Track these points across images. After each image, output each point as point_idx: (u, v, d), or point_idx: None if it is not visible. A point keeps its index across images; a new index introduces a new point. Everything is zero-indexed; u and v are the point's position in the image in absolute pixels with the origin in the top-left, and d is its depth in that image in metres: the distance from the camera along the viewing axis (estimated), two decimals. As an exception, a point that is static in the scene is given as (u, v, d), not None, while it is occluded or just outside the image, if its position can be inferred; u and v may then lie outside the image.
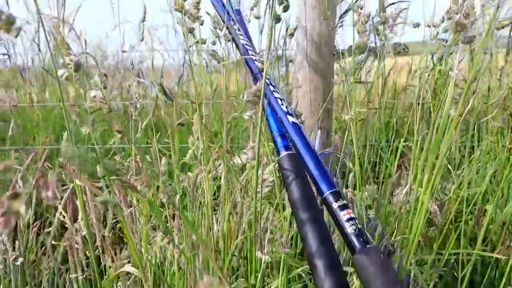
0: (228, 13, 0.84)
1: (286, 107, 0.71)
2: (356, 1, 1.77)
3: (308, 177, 0.67)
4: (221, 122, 1.80)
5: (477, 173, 1.72)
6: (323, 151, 1.16)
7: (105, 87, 0.81)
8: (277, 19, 0.55)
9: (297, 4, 1.51)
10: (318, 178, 0.65)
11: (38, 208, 1.48)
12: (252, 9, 1.32)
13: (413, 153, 0.87)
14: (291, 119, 0.70)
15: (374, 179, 1.50)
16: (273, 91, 0.74)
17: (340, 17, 1.49)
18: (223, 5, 0.93)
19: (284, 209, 1.13)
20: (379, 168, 1.84)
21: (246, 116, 0.59)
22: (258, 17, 1.31)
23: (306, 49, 1.51)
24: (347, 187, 1.23)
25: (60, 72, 0.72)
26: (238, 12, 1.00)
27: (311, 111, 1.54)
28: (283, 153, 0.72)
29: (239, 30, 0.85)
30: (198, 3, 0.73)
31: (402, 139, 1.11)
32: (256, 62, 0.76)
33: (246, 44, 0.82)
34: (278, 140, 0.74)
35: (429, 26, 1.70)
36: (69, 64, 0.65)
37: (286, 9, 0.55)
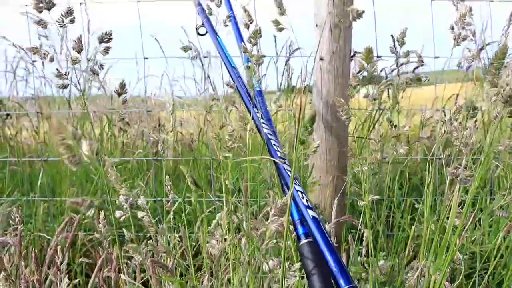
0: (253, 105, 0.93)
1: (307, 200, 0.78)
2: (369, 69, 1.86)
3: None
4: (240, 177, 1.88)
5: (490, 227, 1.75)
6: (339, 219, 1.22)
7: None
8: (302, 142, 0.62)
9: (314, 69, 1.60)
10: (336, 273, 0.71)
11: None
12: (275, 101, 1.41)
13: (424, 237, 0.92)
14: (311, 213, 0.77)
15: (387, 244, 1.54)
16: (295, 183, 0.81)
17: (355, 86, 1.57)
18: (247, 91, 1.01)
19: None
20: (393, 221, 1.89)
21: (272, 228, 0.66)
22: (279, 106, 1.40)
23: (321, 111, 1.59)
24: (360, 254, 1.28)
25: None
26: (260, 93, 1.08)
27: (326, 170, 1.61)
28: (303, 240, 0.78)
29: (262, 117, 0.93)
30: (232, 135, 0.82)
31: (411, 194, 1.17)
32: (278, 152, 0.84)
33: (268, 134, 0.90)
34: (299, 227, 0.81)
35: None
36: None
37: (310, 133, 0.62)
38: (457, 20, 1.15)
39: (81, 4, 1.77)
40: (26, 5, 1.90)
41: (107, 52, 0.77)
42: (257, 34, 0.87)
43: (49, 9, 0.70)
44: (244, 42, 1.30)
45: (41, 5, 0.69)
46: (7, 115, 2.55)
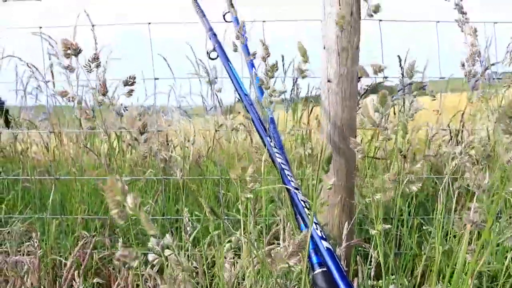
0: (268, 136, 0.96)
1: (321, 231, 0.81)
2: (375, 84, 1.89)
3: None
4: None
5: (497, 246, 1.77)
6: (349, 242, 1.24)
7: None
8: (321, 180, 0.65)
9: (321, 91, 1.64)
10: (350, 304, 0.73)
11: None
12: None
13: (436, 263, 0.94)
14: (325, 244, 0.79)
15: (395, 263, 1.56)
16: (309, 215, 0.83)
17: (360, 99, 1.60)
18: (260, 120, 1.04)
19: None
20: (400, 238, 1.90)
21: (291, 263, 0.69)
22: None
23: (329, 132, 1.61)
24: (369, 276, 1.30)
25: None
26: (272, 120, 1.11)
27: (334, 191, 1.63)
28: (318, 270, 0.81)
29: (275, 147, 0.96)
30: (253, 176, 0.85)
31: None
32: (292, 182, 0.86)
33: (282, 163, 0.93)
34: (313, 255, 0.83)
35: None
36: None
37: (327, 172, 0.65)
38: (468, 57, 1.18)
39: (93, 25, 1.81)
40: (41, 27, 1.95)
41: (131, 95, 0.80)
42: (274, 68, 0.90)
43: (76, 55, 0.73)
44: (254, 68, 1.33)
45: (69, 51, 0.72)
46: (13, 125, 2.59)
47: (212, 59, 1.38)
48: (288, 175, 0.90)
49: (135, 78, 0.79)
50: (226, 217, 1.81)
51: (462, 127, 2.00)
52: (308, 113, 2.15)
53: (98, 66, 0.78)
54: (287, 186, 0.88)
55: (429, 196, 2.23)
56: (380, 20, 1.75)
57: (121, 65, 2.14)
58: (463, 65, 1.87)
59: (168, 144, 2.65)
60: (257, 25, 1.82)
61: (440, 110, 1.99)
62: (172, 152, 1.96)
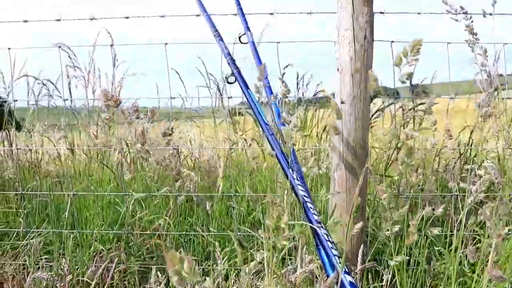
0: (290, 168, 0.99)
1: (347, 266, 0.84)
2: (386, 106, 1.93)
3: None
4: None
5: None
6: (364, 265, 1.28)
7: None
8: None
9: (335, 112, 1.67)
10: None
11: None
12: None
13: None
14: (348, 278, 0.83)
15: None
16: (331, 247, 0.87)
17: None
18: (282, 151, 1.08)
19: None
20: (410, 253, 1.93)
21: None
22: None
23: (342, 152, 1.65)
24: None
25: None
26: (293, 151, 1.15)
27: (347, 210, 1.66)
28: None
29: (297, 179, 0.99)
30: (288, 225, 0.88)
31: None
32: (314, 215, 0.90)
33: (304, 196, 0.96)
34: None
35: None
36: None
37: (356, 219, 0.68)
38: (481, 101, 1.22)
39: (111, 45, 1.85)
40: (59, 46, 1.98)
41: (168, 144, 0.83)
42: (294, 106, 0.93)
43: (117, 106, 0.76)
44: (272, 93, 1.37)
45: (109, 102, 0.76)
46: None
47: (230, 83, 1.42)
48: (311, 207, 0.93)
49: (173, 128, 0.82)
50: (239, 233, 1.84)
51: (471, 145, 2.03)
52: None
53: (138, 118, 0.82)
54: (312, 226, 0.92)
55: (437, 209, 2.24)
56: (392, 42, 1.78)
57: (137, 79, 2.19)
58: (479, 105, 1.92)
59: (179, 155, 2.69)
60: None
61: (450, 130, 2.02)
62: (182, 160, 1.98)
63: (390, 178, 2.06)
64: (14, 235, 1.97)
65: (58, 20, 1.85)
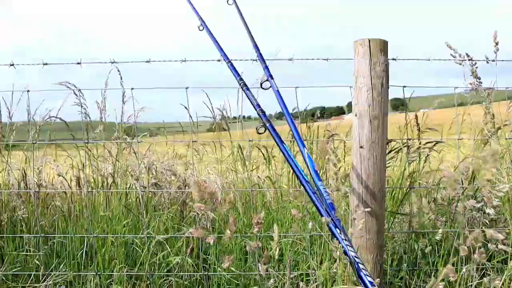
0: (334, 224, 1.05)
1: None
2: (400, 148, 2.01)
3: None
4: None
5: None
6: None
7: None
8: None
9: (353, 156, 1.74)
10: None
11: None
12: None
13: None
14: None
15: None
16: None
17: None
18: (322, 205, 1.13)
19: None
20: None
21: None
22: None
23: (361, 194, 1.72)
24: None
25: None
26: (332, 206, 1.20)
27: (367, 248, 1.73)
28: None
29: (346, 239, 1.05)
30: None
31: None
32: (367, 276, 0.95)
33: (355, 257, 1.02)
34: None
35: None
36: None
37: None
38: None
39: (132, 89, 1.88)
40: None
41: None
42: (346, 179, 0.99)
43: (214, 203, 0.81)
44: (306, 148, 1.43)
45: (203, 194, 0.80)
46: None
47: (260, 133, 1.47)
48: (363, 269, 0.99)
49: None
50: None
51: (473, 179, 2.13)
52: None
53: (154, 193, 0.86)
54: None
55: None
56: (404, 86, 1.88)
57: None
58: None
59: (185, 187, 2.71)
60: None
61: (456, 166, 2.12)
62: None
63: (404, 215, 2.15)
64: (29, 277, 1.95)
65: (79, 63, 1.87)
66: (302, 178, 1.22)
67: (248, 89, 1.58)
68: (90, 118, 2.38)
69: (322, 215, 1.11)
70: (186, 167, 2.72)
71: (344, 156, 2.16)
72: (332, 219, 1.08)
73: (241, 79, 1.63)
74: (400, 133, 2.37)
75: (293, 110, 2.01)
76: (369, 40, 1.70)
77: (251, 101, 1.53)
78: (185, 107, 2.32)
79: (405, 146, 1.97)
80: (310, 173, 1.31)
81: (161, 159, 3.01)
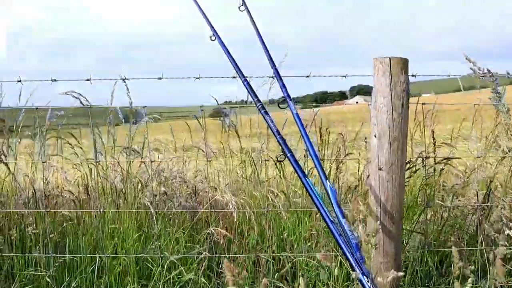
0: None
1: None
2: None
3: None
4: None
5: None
6: None
7: None
8: None
9: (371, 177, 1.71)
10: None
11: None
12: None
13: None
14: None
15: None
16: None
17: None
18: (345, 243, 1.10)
19: None
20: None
21: None
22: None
23: (380, 216, 1.69)
24: None
25: None
26: (357, 247, 1.17)
27: (384, 269, 1.71)
28: None
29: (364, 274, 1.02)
30: None
31: None
32: None
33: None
34: None
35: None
36: None
37: None
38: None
39: (144, 107, 1.83)
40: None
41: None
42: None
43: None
44: (328, 179, 1.39)
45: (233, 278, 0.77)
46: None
47: (280, 161, 1.43)
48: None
49: None
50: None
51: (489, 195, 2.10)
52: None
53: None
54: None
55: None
56: (424, 104, 1.83)
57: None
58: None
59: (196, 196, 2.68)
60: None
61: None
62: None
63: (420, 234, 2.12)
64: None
65: (88, 79, 1.82)
66: (326, 218, 1.19)
67: (267, 113, 1.53)
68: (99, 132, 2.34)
69: (349, 261, 1.08)
70: (195, 174, 2.69)
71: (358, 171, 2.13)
72: (358, 263, 1.05)
73: (259, 100, 1.58)
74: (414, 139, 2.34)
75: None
76: (390, 59, 1.65)
77: (270, 127, 1.48)
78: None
79: (423, 166, 1.93)
80: (333, 207, 1.28)
81: (170, 164, 2.98)
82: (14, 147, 2.33)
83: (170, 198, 2.41)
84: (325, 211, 1.21)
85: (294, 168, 1.35)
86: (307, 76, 1.77)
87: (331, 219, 1.19)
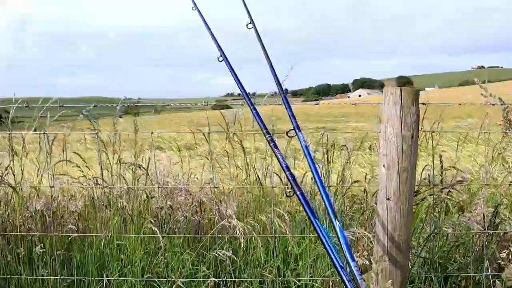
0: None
1: None
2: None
3: None
4: None
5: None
6: None
7: None
8: None
9: (379, 207, 1.71)
10: None
11: None
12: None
13: None
14: None
15: None
16: None
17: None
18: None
19: None
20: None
21: None
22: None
23: (386, 245, 1.69)
24: None
25: None
26: (358, 274, 1.18)
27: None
28: None
29: None
30: None
31: None
32: None
33: None
34: None
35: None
36: None
37: None
38: None
39: (152, 133, 1.82)
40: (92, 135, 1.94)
41: None
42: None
43: None
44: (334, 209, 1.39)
45: None
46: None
47: (289, 196, 1.43)
48: None
49: None
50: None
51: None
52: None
53: None
54: None
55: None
56: (433, 132, 1.82)
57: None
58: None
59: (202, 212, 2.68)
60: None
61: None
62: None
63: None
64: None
65: (95, 105, 1.81)
66: (337, 263, 1.19)
67: (276, 146, 1.52)
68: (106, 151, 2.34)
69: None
70: (201, 186, 2.69)
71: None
72: None
73: (268, 132, 1.57)
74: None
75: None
76: (401, 90, 1.63)
77: (279, 161, 1.48)
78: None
79: (431, 195, 1.93)
80: (344, 253, 1.28)
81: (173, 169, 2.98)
82: (19, 161, 2.33)
83: (175, 212, 2.42)
84: (335, 256, 1.21)
85: (303, 207, 1.35)
86: (317, 103, 1.76)
87: (342, 265, 1.20)
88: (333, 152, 2.37)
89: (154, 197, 2.64)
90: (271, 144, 1.53)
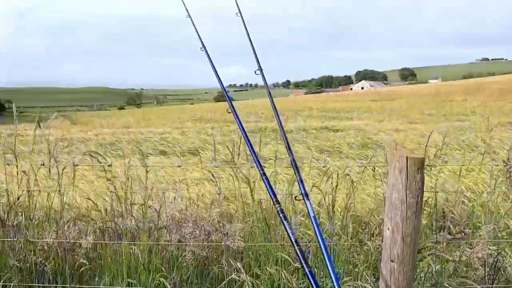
0: None
1: None
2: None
3: None
4: None
5: None
6: None
7: None
8: None
9: (383, 267, 1.77)
10: None
11: None
12: None
13: None
14: None
15: None
16: None
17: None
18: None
19: None
20: None
21: None
22: None
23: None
24: None
25: None
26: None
27: None
28: None
29: None
30: None
31: None
32: None
33: None
34: None
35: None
36: None
37: None
38: None
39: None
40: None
41: None
42: None
43: None
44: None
45: None
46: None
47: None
48: None
49: None
50: None
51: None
52: None
53: None
54: None
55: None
56: (441, 166, 1.87)
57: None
58: None
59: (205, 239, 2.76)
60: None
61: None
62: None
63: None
64: None
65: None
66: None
67: (286, 218, 1.58)
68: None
69: None
70: (210, 216, 2.76)
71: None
72: None
73: (277, 201, 1.62)
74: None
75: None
76: (407, 158, 1.68)
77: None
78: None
79: (430, 255, 1.99)
80: None
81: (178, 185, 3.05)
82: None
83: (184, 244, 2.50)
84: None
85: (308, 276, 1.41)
86: (324, 166, 1.81)
87: None
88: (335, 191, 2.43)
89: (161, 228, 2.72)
90: (281, 215, 1.59)
